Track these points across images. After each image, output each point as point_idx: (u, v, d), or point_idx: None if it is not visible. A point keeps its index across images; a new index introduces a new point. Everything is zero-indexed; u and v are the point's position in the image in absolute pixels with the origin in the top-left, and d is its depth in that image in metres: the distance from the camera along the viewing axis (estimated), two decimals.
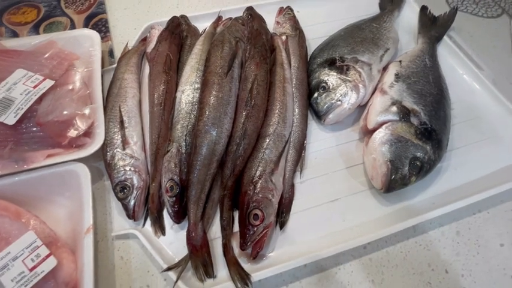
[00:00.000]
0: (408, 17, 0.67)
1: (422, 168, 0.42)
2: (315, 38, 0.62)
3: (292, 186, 0.44)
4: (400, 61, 0.54)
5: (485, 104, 0.55)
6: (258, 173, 0.40)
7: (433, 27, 0.62)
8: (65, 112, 0.43)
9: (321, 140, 0.49)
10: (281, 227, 0.41)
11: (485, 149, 0.50)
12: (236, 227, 0.40)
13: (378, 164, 0.42)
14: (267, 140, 0.42)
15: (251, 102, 0.42)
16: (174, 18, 0.53)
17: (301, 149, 0.46)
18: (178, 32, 0.50)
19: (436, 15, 0.64)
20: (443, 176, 0.47)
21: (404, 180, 0.41)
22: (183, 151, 0.40)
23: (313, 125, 0.51)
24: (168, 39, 0.48)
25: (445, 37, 0.62)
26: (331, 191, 0.45)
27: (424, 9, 0.65)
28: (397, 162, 0.41)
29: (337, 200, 0.44)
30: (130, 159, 0.41)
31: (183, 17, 0.58)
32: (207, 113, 0.40)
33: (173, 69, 0.46)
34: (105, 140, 0.41)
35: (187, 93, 0.44)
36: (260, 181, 0.40)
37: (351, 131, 0.51)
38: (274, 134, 0.43)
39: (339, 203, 0.44)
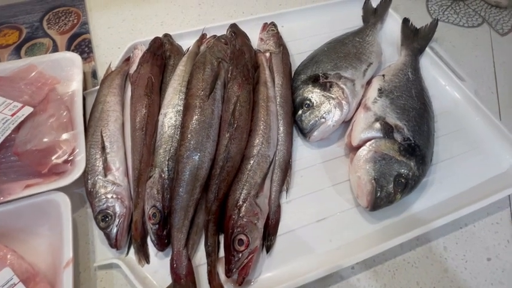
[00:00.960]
0: (391, 29, 0.67)
1: (407, 185, 0.42)
2: (300, 53, 0.62)
3: (278, 207, 0.44)
4: (383, 75, 0.54)
5: (468, 115, 0.55)
6: (242, 196, 0.40)
7: (415, 39, 0.63)
8: (45, 140, 0.42)
9: (306, 157, 0.49)
10: (267, 251, 0.40)
11: (469, 160, 0.50)
12: (223, 251, 0.39)
13: (363, 183, 0.42)
14: (251, 162, 0.42)
15: (234, 124, 0.42)
16: (156, 39, 0.53)
17: (286, 168, 0.46)
18: (160, 53, 0.50)
19: (418, 27, 0.65)
20: (429, 191, 0.47)
21: (390, 197, 0.41)
22: (166, 176, 0.40)
23: (298, 142, 0.51)
24: (150, 61, 0.47)
25: (428, 49, 0.62)
26: (317, 210, 0.44)
27: (406, 21, 0.66)
28: (382, 180, 0.41)
29: (324, 220, 0.44)
30: (112, 186, 0.40)
31: (166, 35, 0.58)
32: (188, 137, 0.39)
33: (155, 92, 0.45)
34: (86, 167, 0.41)
35: (169, 116, 0.43)
36: (245, 205, 0.39)
37: (336, 146, 0.51)
38: (258, 155, 0.42)
39: (325, 222, 0.44)
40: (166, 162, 0.40)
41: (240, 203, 0.39)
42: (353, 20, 0.70)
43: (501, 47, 0.69)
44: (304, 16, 0.70)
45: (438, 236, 0.44)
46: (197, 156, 0.39)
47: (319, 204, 0.45)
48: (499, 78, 0.63)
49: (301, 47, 0.63)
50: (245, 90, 0.44)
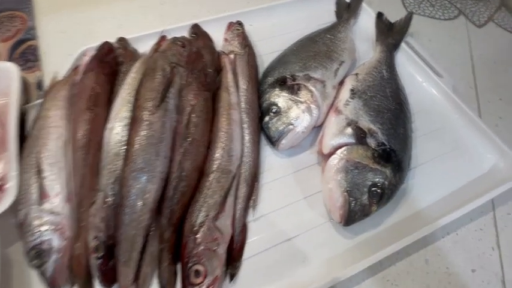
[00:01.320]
0: (366, 25, 0.64)
1: (384, 195, 0.38)
2: (270, 53, 0.58)
3: (244, 226, 0.39)
4: (357, 74, 0.50)
5: (447, 113, 0.52)
6: (199, 220, 0.35)
7: (390, 34, 0.60)
8: None
9: (276, 168, 0.45)
10: (231, 279, 0.36)
11: (450, 162, 0.47)
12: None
13: (335, 196, 0.38)
14: (210, 179, 0.37)
15: (188, 137, 0.37)
16: (104, 44, 0.47)
17: (253, 181, 0.42)
18: (109, 59, 0.45)
19: (393, 22, 0.62)
20: (408, 198, 0.43)
21: (365, 210, 0.38)
22: (110, 202, 0.34)
23: (267, 151, 0.46)
24: (95, 70, 0.42)
25: (403, 44, 0.59)
26: (288, 226, 0.40)
27: (380, 15, 0.62)
28: (355, 191, 0.37)
29: (295, 238, 0.40)
30: (49, 216, 0.35)
31: (121, 39, 0.53)
32: (134, 156, 0.34)
33: (100, 104, 0.40)
34: (17, 195, 0.35)
35: (116, 131, 0.38)
36: (202, 229, 0.35)
37: (309, 154, 0.46)
38: (218, 170, 0.38)
39: (297, 240, 0.39)
40: (111, 185, 0.35)
41: (197, 227, 0.35)
42: (327, 16, 0.66)
43: (478, 39, 0.67)
44: (274, 13, 0.65)
45: (419, 247, 0.40)
46: (144, 178, 0.34)
47: (290, 220, 0.41)
48: (477, 71, 0.61)
49: (272, 46, 0.59)
50: (201, 98, 0.39)
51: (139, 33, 0.57)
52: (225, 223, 0.36)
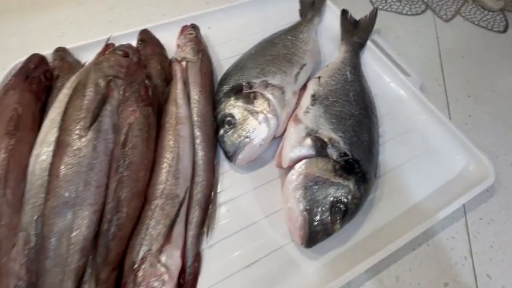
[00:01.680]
0: (331, 23, 0.61)
1: (347, 211, 0.35)
2: (230, 57, 0.54)
3: (198, 255, 0.35)
4: (319, 77, 0.47)
5: (415, 114, 0.50)
6: (140, 255, 0.31)
7: (355, 32, 0.57)
8: None
9: (235, 185, 0.41)
10: None
11: (419, 167, 0.44)
12: None
13: (294, 215, 0.34)
14: (153, 207, 0.33)
15: (124, 161, 0.33)
16: (32, 56, 0.42)
17: (207, 204, 0.38)
18: (37, 74, 0.40)
19: (358, 19, 0.59)
20: (376, 209, 0.40)
21: (327, 230, 0.34)
22: (33, 243, 0.30)
23: (225, 167, 0.43)
24: (19, 87, 0.37)
25: (370, 42, 0.56)
26: (247, 251, 0.36)
27: (344, 13, 0.59)
28: (316, 210, 0.34)
29: (256, 263, 0.36)
30: None
31: (59, 50, 0.47)
32: (56, 189, 0.29)
33: (25, 128, 0.35)
34: None
35: (42, 158, 0.33)
36: (143, 266, 0.30)
37: (270, 167, 0.43)
38: (162, 196, 0.34)
39: (258, 266, 0.36)
40: (34, 223, 0.30)
41: (137, 264, 0.30)
42: (291, 16, 0.62)
43: (446, 34, 0.65)
44: (235, 14, 0.61)
45: (390, 263, 0.37)
46: (70, 213, 0.29)
47: (249, 243, 0.37)
48: (446, 68, 0.59)
49: (232, 50, 0.55)
50: (140, 115, 0.35)
51: (84, 41, 0.52)
52: (172, 255, 0.32)
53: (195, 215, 0.36)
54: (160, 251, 0.31)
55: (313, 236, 0.34)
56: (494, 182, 0.41)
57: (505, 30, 0.67)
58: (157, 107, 0.39)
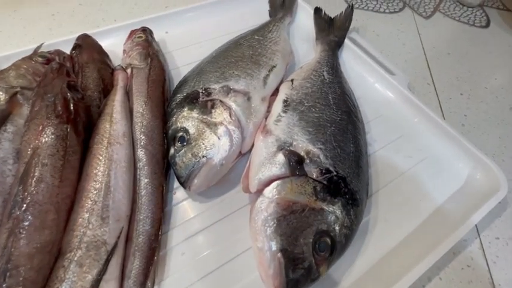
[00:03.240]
0: (305, 23, 0.55)
1: (335, 246, 0.27)
2: (188, 64, 0.46)
3: None
4: (292, 80, 0.40)
5: (406, 116, 0.43)
6: None
7: (331, 30, 0.51)
8: None
9: (192, 219, 0.32)
10: None
11: (418, 178, 0.37)
12: None
13: (266, 259, 0.25)
14: (66, 264, 0.24)
15: (23, 200, 0.24)
16: None
17: (152, 248, 0.28)
18: None
19: (333, 17, 0.54)
20: (371, 237, 0.32)
21: (311, 275, 0.25)
22: None
23: (180, 196, 0.33)
24: None
25: (348, 41, 0.51)
26: None
27: (317, 11, 0.54)
28: (293, 249, 0.25)
29: None
30: None
31: None
32: None
33: None
34: None
35: None
36: None
37: (238, 192, 0.34)
38: (81, 247, 0.24)
39: None
40: None
41: None
42: (260, 17, 0.56)
43: (428, 31, 0.61)
44: (196, 17, 0.54)
45: None
46: None
47: None
48: (432, 66, 0.54)
49: (192, 56, 0.47)
50: (50, 136, 0.26)
51: (11, 51, 0.44)
52: None
53: (135, 265, 0.27)
54: None
55: (293, 285, 0.25)
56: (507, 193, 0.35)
57: (487, 25, 0.63)
58: (86, 125, 0.31)
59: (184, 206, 0.33)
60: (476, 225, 0.35)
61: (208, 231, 0.31)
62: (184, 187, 0.32)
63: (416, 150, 0.40)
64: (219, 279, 0.29)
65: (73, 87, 0.31)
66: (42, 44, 0.43)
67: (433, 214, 0.34)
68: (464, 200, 0.35)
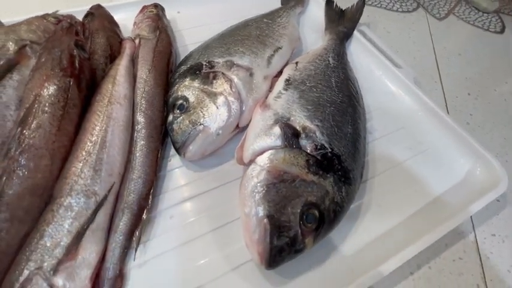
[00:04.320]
0: (316, 15, 0.55)
1: (323, 220, 0.27)
2: (197, 43, 0.46)
3: (120, 276, 0.26)
4: (297, 62, 0.40)
5: (409, 109, 0.42)
6: (24, 275, 0.21)
7: (341, 22, 0.51)
8: None
9: (185, 186, 0.32)
10: None
11: (416, 169, 0.37)
12: None
13: (251, 224, 0.25)
14: (55, 208, 0.24)
15: (20, 143, 0.24)
16: None
17: (141, 208, 0.29)
18: None
19: (344, 9, 0.54)
20: (362, 220, 0.32)
21: (296, 244, 0.25)
22: None
23: (175, 163, 0.34)
24: None
25: (359, 34, 0.51)
26: (191, 273, 0.27)
27: (329, 2, 0.54)
28: (280, 216, 0.25)
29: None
30: None
31: None
32: None
33: None
34: None
35: None
36: None
37: (232, 165, 0.34)
38: (71, 194, 0.25)
39: None
40: None
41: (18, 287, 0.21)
42: (272, 6, 0.57)
43: (440, 31, 0.60)
44: (209, 1, 0.55)
45: None
46: None
47: (194, 262, 0.28)
48: (442, 64, 0.53)
49: (201, 36, 0.46)
50: (53, 86, 0.26)
51: (26, 16, 0.45)
52: (74, 277, 0.23)
53: (123, 221, 0.27)
54: (55, 269, 0.22)
55: (277, 253, 0.25)
56: (506, 190, 0.34)
57: (502, 31, 0.62)
58: (89, 84, 0.31)
59: (178, 173, 0.33)
60: (472, 220, 0.34)
61: (199, 199, 0.32)
62: (179, 153, 0.32)
63: (417, 143, 0.39)
64: (203, 245, 0.29)
65: (80, 46, 0.32)
66: (57, 11, 0.45)
67: (428, 204, 0.34)
68: (461, 193, 0.34)
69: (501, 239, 0.33)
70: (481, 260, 0.31)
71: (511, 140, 0.43)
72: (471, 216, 0.34)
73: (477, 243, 0.32)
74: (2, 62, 0.27)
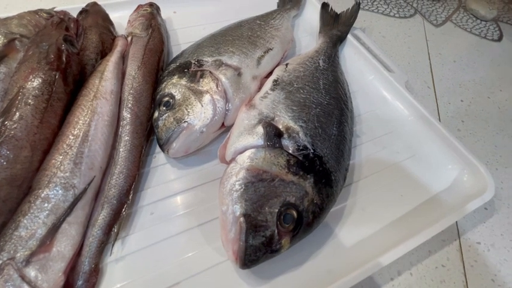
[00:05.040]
0: (311, 18, 0.56)
1: (301, 221, 0.26)
2: (190, 42, 0.47)
3: (95, 271, 0.26)
4: (287, 64, 0.41)
5: (399, 113, 0.42)
6: None
7: (336, 25, 0.51)
8: None
9: (167, 183, 0.32)
10: None
11: (403, 174, 0.36)
12: None
13: (228, 223, 0.25)
14: (32, 199, 0.24)
15: (2, 133, 0.24)
16: None
17: (121, 202, 0.29)
18: None
19: (339, 13, 0.54)
20: (345, 223, 0.31)
21: (273, 244, 0.25)
22: None
23: (160, 159, 0.34)
24: None
25: (352, 38, 0.51)
26: (167, 269, 0.27)
27: (325, 6, 0.54)
28: (256, 215, 0.25)
29: (176, 286, 0.27)
30: None
31: None
32: None
33: None
34: None
35: None
36: None
37: (216, 163, 0.34)
38: (49, 186, 0.25)
39: None
40: None
41: None
42: (268, 8, 0.57)
43: (436, 38, 0.60)
44: (205, 2, 0.55)
45: None
46: None
47: (171, 259, 0.27)
48: (436, 70, 0.53)
49: (196, 35, 0.47)
50: (38, 79, 0.27)
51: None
52: (47, 269, 0.23)
53: (102, 216, 0.27)
54: (27, 261, 0.22)
55: (252, 252, 0.24)
56: (493, 197, 0.33)
57: (499, 39, 0.62)
58: (77, 79, 0.32)
59: (161, 170, 0.33)
60: (458, 227, 0.34)
61: (181, 196, 0.32)
62: (163, 150, 0.32)
63: (405, 147, 0.39)
64: (182, 242, 0.29)
65: (70, 41, 0.32)
66: (53, 8, 0.45)
67: (413, 209, 0.33)
68: (448, 199, 0.34)
69: (486, 248, 0.32)
70: (464, 268, 0.31)
71: (502, 147, 0.42)
72: (457, 224, 0.34)
73: (461, 251, 0.32)
74: None
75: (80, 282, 0.25)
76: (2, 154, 0.24)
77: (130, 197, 0.29)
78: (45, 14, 0.34)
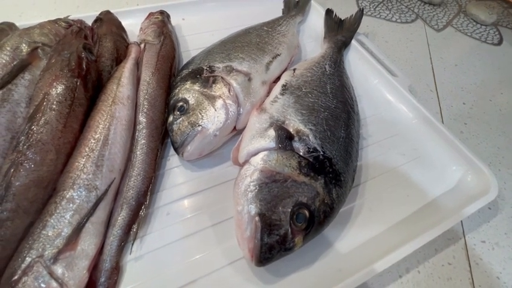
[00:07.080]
0: (315, 24, 0.57)
1: (314, 220, 0.27)
2: (200, 48, 0.48)
3: (116, 268, 0.27)
4: (295, 69, 0.42)
5: (404, 116, 0.43)
6: (25, 263, 0.23)
7: (340, 31, 0.53)
8: None
9: (182, 184, 0.34)
10: None
11: (408, 175, 0.37)
12: None
13: (243, 222, 0.26)
14: (58, 200, 0.25)
15: (28, 137, 0.26)
16: None
17: (139, 203, 0.30)
18: None
19: (343, 19, 0.56)
20: (353, 224, 0.33)
21: (286, 243, 0.26)
22: None
23: (174, 161, 0.35)
24: None
25: (356, 43, 0.52)
26: (184, 268, 0.28)
27: (329, 12, 0.56)
28: (271, 215, 0.26)
29: (193, 283, 0.27)
30: None
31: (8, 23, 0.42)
32: None
33: None
34: None
35: None
36: (24, 279, 0.22)
37: (228, 166, 0.36)
38: (74, 187, 0.26)
39: (197, 286, 0.28)
40: None
41: (17, 276, 0.22)
42: (274, 15, 0.59)
43: (437, 42, 0.61)
44: (213, 8, 0.57)
45: None
46: None
47: (187, 258, 0.29)
48: (438, 74, 0.54)
49: (205, 42, 0.49)
50: (61, 86, 0.28)
51: (40, 20, 0.48)
52: (73, 266, 0.24)
53: (121, 216, 0.29)
54: (55, 258, 0.23)
55: (267, 250, 0.26)
56: (497, 198, 0.34)
57: (499, 43, 0.63)
58: (95, 85, 0.33)
59: (176, 172, 0.34)
60: (463, 226, 0.35)
61: (195, 197, 0.33)
62: (178, 153, 0.33)
63: (410, 149, 0.40)
64: (198, 241, 0.30)
65: (88, 49, 0.33)
66: (68, 16, 0.47)
67: (419, 209, 0.34)
68: (452, 199, 0.35)
69: (491, 246, 0.33)
70: (470, 266, 0.32)
71: (505, 149, 0.43)
72: (462, 223, 0.35)
73: (467, 250, 0.33)
74: (15, 63, 0.29)
75: (102, 280, 0.26)
76: (30, 157, 0.25)
77: (147, 198, 0.30)
78: (63, 23, 0.36)
